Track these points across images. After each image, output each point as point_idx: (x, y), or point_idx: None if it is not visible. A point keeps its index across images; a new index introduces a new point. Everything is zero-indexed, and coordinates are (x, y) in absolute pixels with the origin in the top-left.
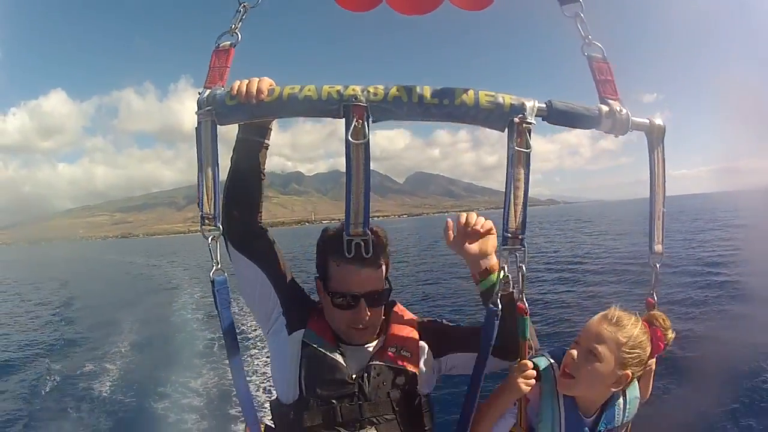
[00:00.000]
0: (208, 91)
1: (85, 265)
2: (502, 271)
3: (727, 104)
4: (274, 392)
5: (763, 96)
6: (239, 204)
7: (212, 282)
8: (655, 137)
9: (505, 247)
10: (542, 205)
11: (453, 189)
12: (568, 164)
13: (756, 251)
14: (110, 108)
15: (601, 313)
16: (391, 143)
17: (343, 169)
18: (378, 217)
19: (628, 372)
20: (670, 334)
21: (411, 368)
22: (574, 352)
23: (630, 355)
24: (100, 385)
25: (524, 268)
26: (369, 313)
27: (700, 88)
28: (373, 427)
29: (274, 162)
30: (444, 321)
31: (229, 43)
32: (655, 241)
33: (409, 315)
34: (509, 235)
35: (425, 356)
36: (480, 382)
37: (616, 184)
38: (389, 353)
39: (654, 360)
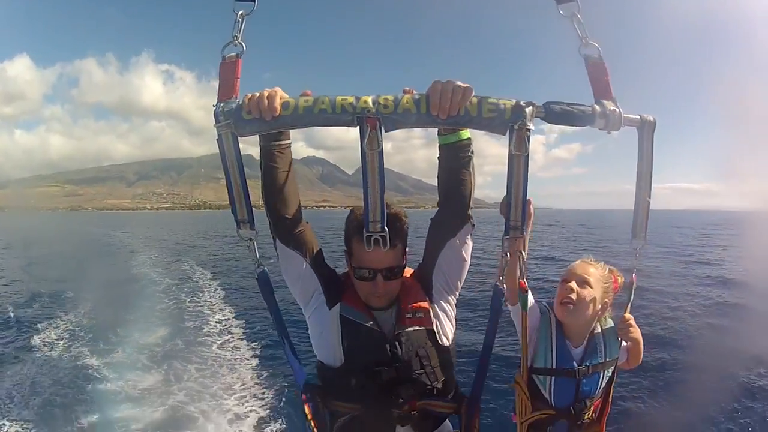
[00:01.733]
0: (223, 104)
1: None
2: (505, 257)
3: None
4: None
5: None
6: (280, 205)
7: (257, 278)
8: (646, 132)
9: (508, 236)
10: (489, 207)
11: (402, 185)
12: None
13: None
14: (72, 77)
15: (581, 259)
16: (345, 133)
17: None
18: (325, 206)
19: (607, 300)
20: (621, 279)
21: (428, 326)
22: (572, 284)
23: (608, 285)
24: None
25: (524, 253)
26: (385, 287)
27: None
28: (410, 384)
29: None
30: (420, 264)
31: (235, 54)
32: (639, 230)
33: (409, 276)
34: (511, 225)
35: (433, 309)
36: (491, 346)
37: (567, 193)
38: (407, 319)
39: (637, 330)
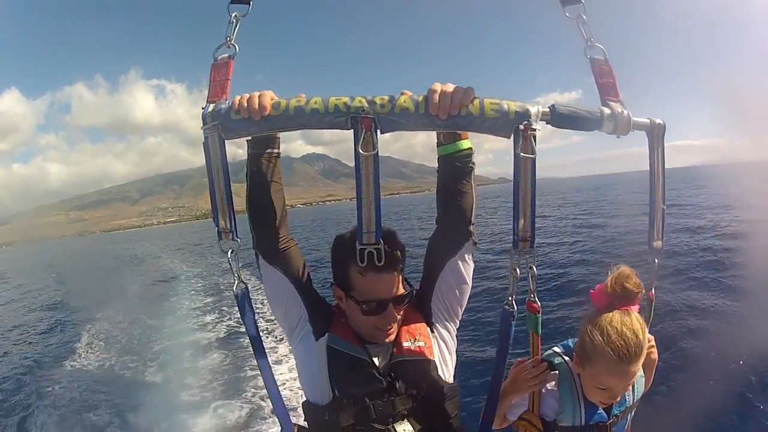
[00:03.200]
0: (212, 105)
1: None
2: (514, 273)
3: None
4: (302, 394)
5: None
6: (265, 218)
7: (236, 296)
8: (656, 136)
9: (516, 250)
10: (494, 183)
11: (404, 171)
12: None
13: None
14: (63, 104)
15: (615, 348)
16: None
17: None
18: (330, 201)
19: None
20: (643, 292)
21: (429, 356)
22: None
23: (646, 350)
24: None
25: (534, 269)
26: (396, 316)
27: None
28: (406, 420)
29: (226, 149)
30: (417, 285)
31: (227, 55)
32: (655, 237)
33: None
34: (519, 238)
35: (434, 339)
36: (501, 380)
37: (568, 162)
38: (406, 347)
39: (656, 351)
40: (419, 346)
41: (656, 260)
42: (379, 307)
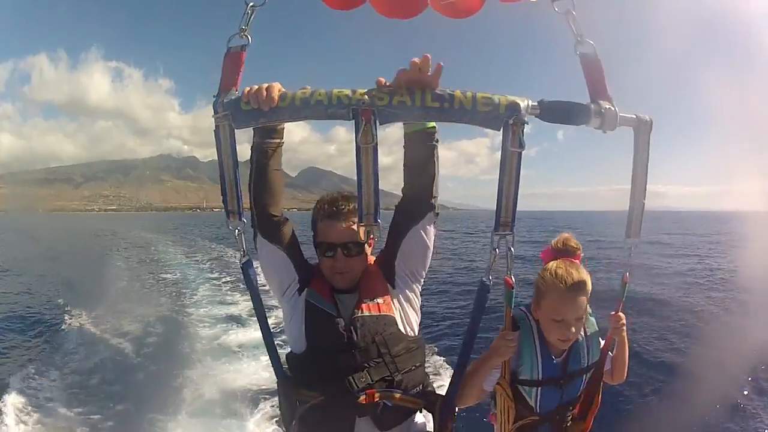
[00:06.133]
0: (223, 95)
1: None
2: (494, 253)
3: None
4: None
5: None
6: (266, 200)
7: (242, 267)
8: (642, 132)
9: (498, 232)
10: None
11: (345, 187)
12: (463, 172)
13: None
14: (24, 74)
15: (561, 278)
16: (288, 135)
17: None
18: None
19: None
20: (581, 251)
21: (387, 312)
22: (572, 327)
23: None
24: None
25: (512, 250)
26: (345, 262)
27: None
28: (366, 371)
29: (171, 144)
30: (382, 251)
31: (240, 46)
32: (634, 230)
33: (372, 263)
34: (501, 222)
35: (395, 296)
36: (472, 344)
37: None
38: (364, 304)
39: (625, 330)
40: (377, 303)
41: (631, 248)
42: (328, 248)
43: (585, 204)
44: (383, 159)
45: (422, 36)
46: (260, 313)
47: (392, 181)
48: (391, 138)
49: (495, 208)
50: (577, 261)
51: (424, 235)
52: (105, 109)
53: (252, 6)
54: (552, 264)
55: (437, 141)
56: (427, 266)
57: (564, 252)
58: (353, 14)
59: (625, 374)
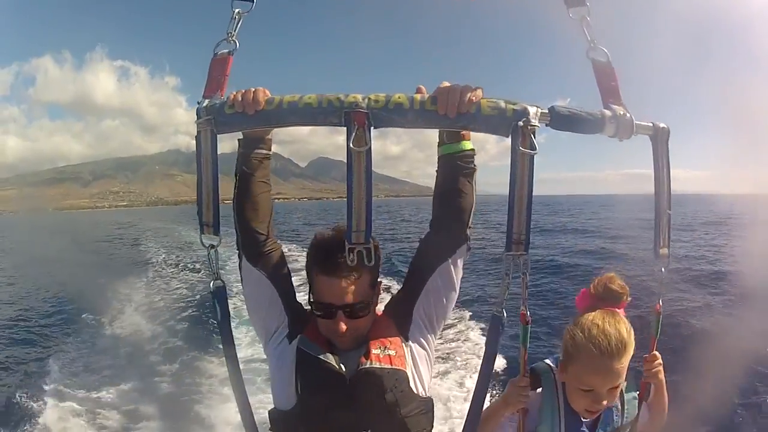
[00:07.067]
0: (207, 100)
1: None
2: (506, 279)
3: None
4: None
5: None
6: (250, 214)
7: (213, 293)
8: (660, 140)
9: (510, 252)
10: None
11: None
12: None
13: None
14: (28, 77)
15: (595, 341)
16: (297, 129)
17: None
18: (279, 199)
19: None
20: (627, 297)
21: (399, 366)
22: (604, 399)
23: (632, 350)
24: None
25: (527, 276)
26: (347, 325)
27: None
28: None
29: (179, 140)
30: (398, 296)
31: (227, 51)
32: (660, 245)
33: (380, 313)
34: (513, 239)
35: (409, 349)
36: (486, 388)
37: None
38: (374, 355)
39: (662, 370)
40: (389, 355)
41: (663, 269)
42: (326, 311)
43: (597, 188)
44: (392, 148)
45: (422, 36)
46: (230, 352)
47: (402, 168)
48: (399, 129)
49: (506, 225)
50: (621, 310)
51: (453, 273)
52: (111, 107)
53: (239, 12)
54: (587, 318)
55: (475, 166)
56: (448, 316)
57: (605, 299)
58: (352, 14)
59: (666, 410)
